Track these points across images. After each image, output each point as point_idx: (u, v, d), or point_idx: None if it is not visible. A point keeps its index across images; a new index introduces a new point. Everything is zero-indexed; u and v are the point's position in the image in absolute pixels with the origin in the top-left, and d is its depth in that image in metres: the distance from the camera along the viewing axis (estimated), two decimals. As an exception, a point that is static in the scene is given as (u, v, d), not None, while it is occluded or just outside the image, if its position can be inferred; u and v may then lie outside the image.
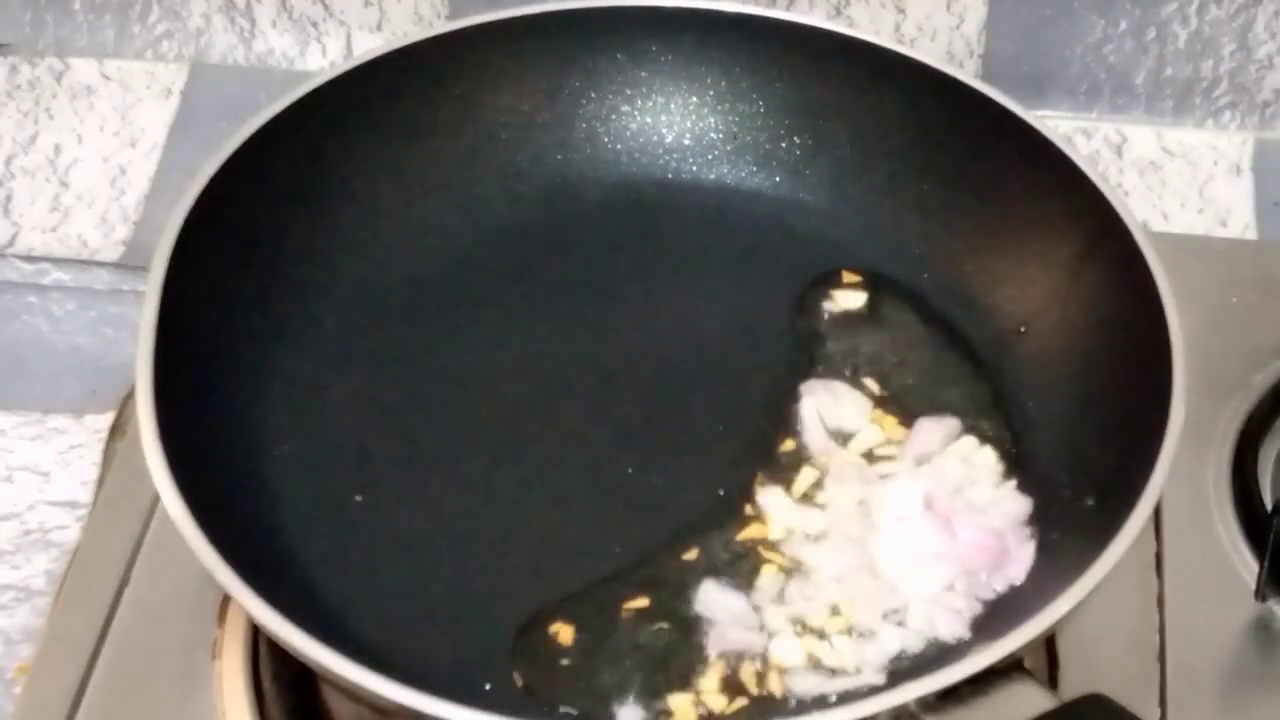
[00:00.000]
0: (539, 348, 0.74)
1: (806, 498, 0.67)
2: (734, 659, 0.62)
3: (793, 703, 0.61)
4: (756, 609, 0.63)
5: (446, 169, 0.78)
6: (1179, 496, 0.73)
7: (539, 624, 0.63)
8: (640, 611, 0.64)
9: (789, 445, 0.69)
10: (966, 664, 0.55)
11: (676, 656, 0.62)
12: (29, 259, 0.90)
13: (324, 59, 1.00)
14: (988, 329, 0.73)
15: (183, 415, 0.62)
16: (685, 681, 0.62)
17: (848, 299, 0.75)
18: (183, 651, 0.69)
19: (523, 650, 0.62)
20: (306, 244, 0.74)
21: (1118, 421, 0.65)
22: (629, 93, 0.80)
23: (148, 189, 0.95)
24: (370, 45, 0.95)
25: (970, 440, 0.69)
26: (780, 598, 0.64)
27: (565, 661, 0.62)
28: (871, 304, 0.75)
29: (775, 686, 0.61)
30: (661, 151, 0.81)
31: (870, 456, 0.69)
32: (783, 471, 0.68)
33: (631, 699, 0.61)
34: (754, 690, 0.61)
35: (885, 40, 0.78)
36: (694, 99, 0.80)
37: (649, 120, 0.81)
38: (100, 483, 0.79)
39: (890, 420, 0.70)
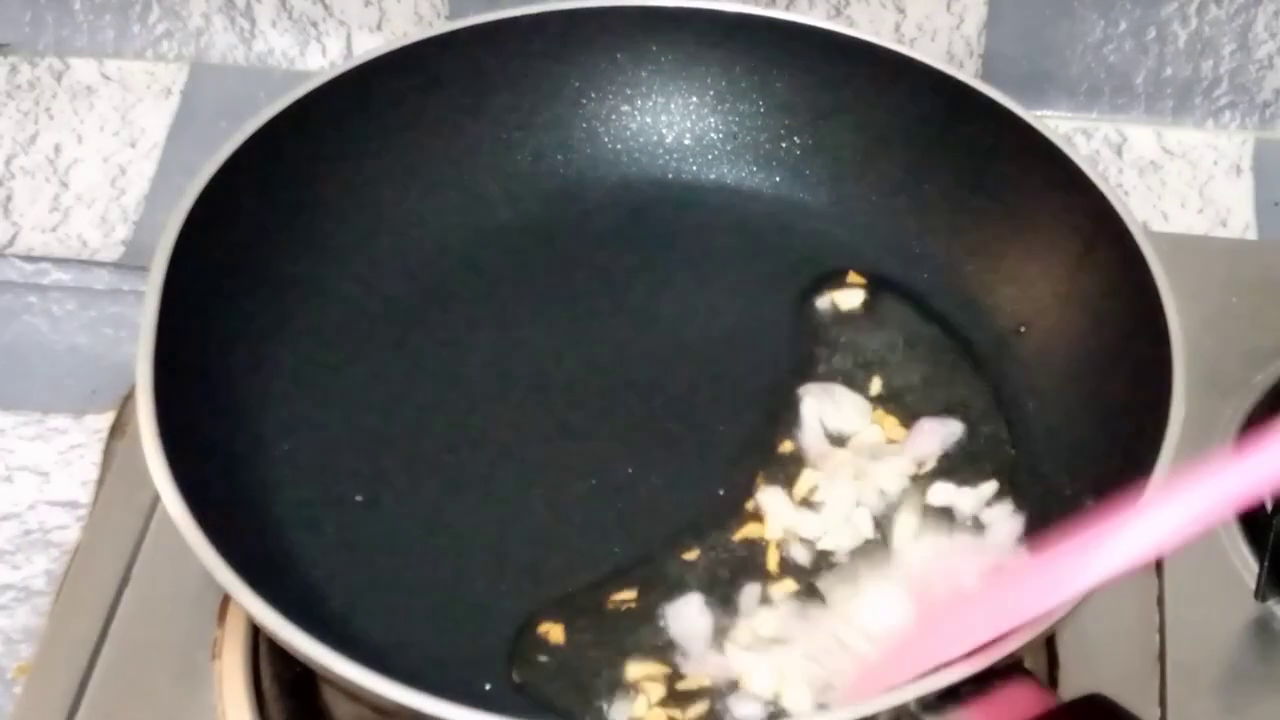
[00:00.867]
0: (538, 347, 0.74)
1: (806, 501, 0.67)
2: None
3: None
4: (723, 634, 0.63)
5: (446, 169, 0.78)
6: (1179, 496, 0.73)
7: (538, 624, 0.63)
8: (636, 610, 0.64)
9: (788, 446, 0.69)
10: (966, 664, 0.55)
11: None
12: (29, 259, 0.90)
13: (324, 59, 1.00)
14: (988, 329, 0.74)
15: (183, 415, 0.62)
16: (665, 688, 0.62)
17: (847, 299, 0.75)
18: (183, 651, 0.69)
19: (520, 650, 0.62)
20: (306, 244, 0.74)
21: (1118, 421, 0.65)
22: (629, 93, 0.80)
23: (148, 189, 0.95)
24: (370, 45, 0.95)
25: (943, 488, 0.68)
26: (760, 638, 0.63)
27: (563, 661, 0.62)
28: (871, 304, 0.75)
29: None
30: (661, 151, 0.81)
31: (870, 454, 0.68)
32: (783, 471, 0.68)
33: (626, 699, 0.61)
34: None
35: (885, 40, 0.78)
36: (694, 99, 0.80)
37: (649, 120, 0.81)
38: (100, 483, 0.79)
39: (891, 420, 0.70)
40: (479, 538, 0.66)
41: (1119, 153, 0.95)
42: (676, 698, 0.61)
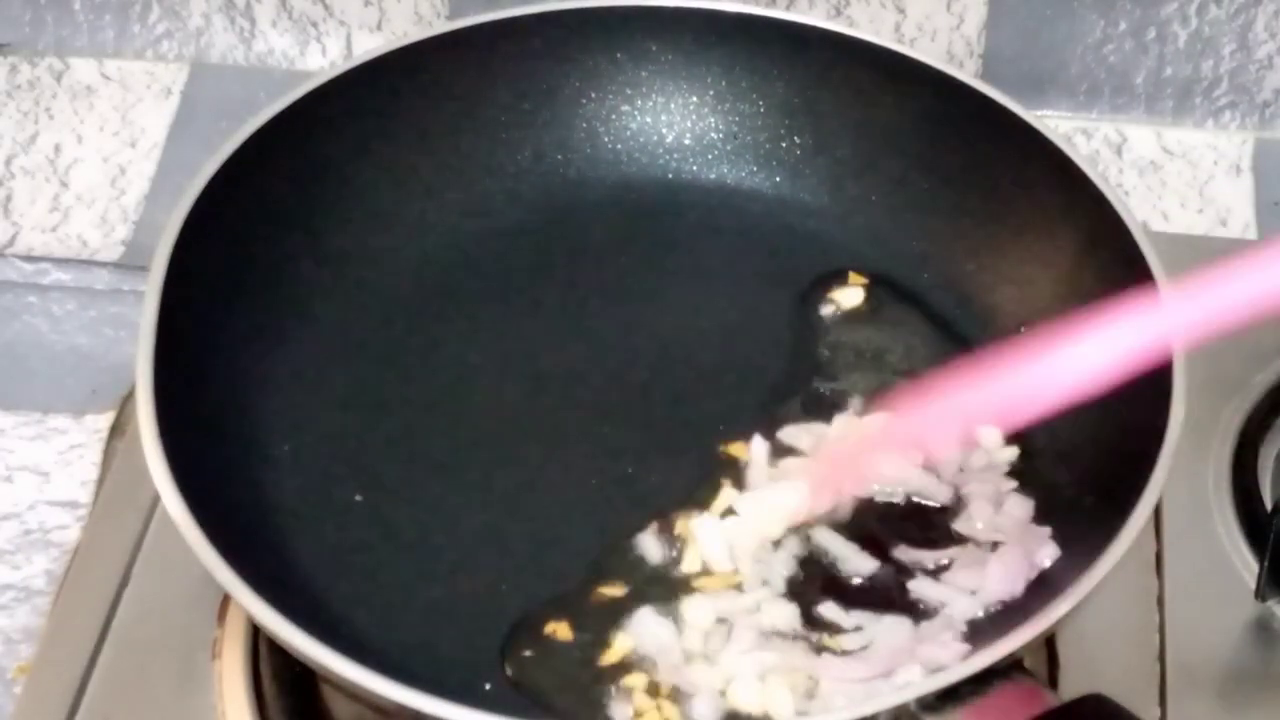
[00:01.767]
0: (539, 347, 0.74)
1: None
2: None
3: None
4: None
5: (446, 169, 0.78)
6: (1179, 496, 0.73)
7: (536, 623, 0.63)
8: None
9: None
10: (966, 664, 0.55)
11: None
12: (29, 259, 0.90)
13: (324, 59, 1.00)
14: (988, 329, 0.74)
15: (183, 415, 0.62)
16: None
17: (847, 298, 0.75)
18: (183, 651, 0.69)
19: (517, 648, 0.62)
20: (306, 244, 0.74)
21: (1118, 421, 0.65)
22: (629, 92, 0.80)
23: (148, 189, 0.95)
24: (370, 45, 0.95)
25: None
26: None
27: (562, 660, 0.62)
28: (871, 303, 0.75)
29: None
30: (662, 151, 0.81)
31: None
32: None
33: (624, 697, 0.61)
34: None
35: (885, 40, 0.78)
36: (694, 99, 0.80)
37: (649, 120, 0.81)
38: (100, 483, 0.79)
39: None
40: (479, 537, 0.66)
41: (1119, 153, 0.95)
42: (670, 695, 0.61)
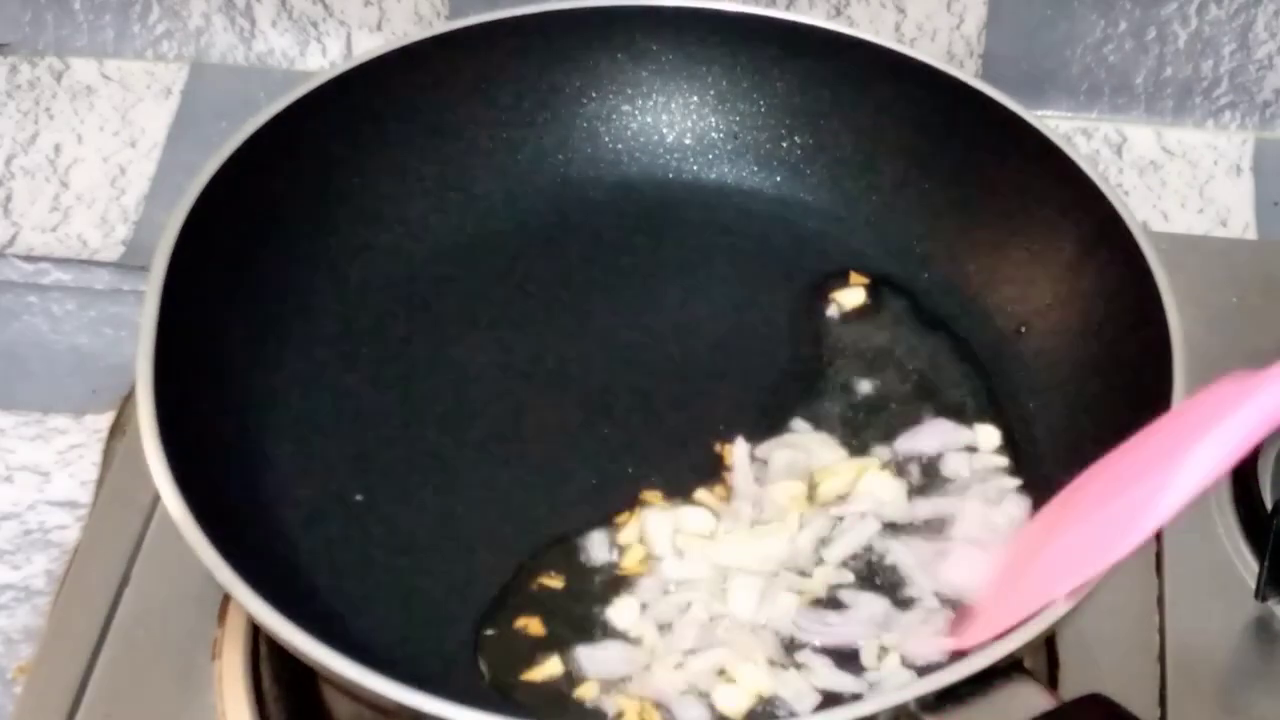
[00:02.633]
0: (538, 347, 0.74)
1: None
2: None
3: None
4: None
5: (446, 169, 0.78)
6: (1179, 496, 0.73)
7: (515, 618, 0.63)
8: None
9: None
10: (966, 664, 0.55)
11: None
12: (29, 259, 0.90)
13: (324, 59, 1.00)
14: (988, 329, 0.74)
15: (183, 415, 0.62)
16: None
17: (848, 298, 0.75)
18: (183, 651, 0.69)
19: (497, 644, 0.63)
20: (306, 244, 0.74)
21: (1118, 421, 0.65)
22: (630, 92, 0.80)
23: (148, 189, 0.95)
24: (370, 45, 0.95)
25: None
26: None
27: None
28: (872, 303, 0.75)
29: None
30: (662, 151, 0.81)
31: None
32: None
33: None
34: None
35: (885, 40, 0.78)
36: (695, 99, 0.80)
37: (650, 120, 0.81)
38: (100, 483, 0.79)
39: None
40: (480, 537, 0.66)
41: (1119, 153, 0.95)
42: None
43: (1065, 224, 0.72)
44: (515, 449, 0.70)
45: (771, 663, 0.61)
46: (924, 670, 0.60)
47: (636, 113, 0.81)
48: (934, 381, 0.72)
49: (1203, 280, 0.81)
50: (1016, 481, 0.67)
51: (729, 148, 0.81)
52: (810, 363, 0.73)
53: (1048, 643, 0.68)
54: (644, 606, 0.63)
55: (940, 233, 0.76)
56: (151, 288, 0.65)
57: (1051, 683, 0.67)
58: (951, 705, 0.55)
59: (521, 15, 0.78)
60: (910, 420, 0.70)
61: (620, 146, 0.81)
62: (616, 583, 0.64)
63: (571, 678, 0.61)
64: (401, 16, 0.99)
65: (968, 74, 0.77)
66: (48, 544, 0.77)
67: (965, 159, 0.76)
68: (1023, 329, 0.73)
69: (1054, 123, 0.92)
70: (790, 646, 0.62)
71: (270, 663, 0.68)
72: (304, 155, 0.74)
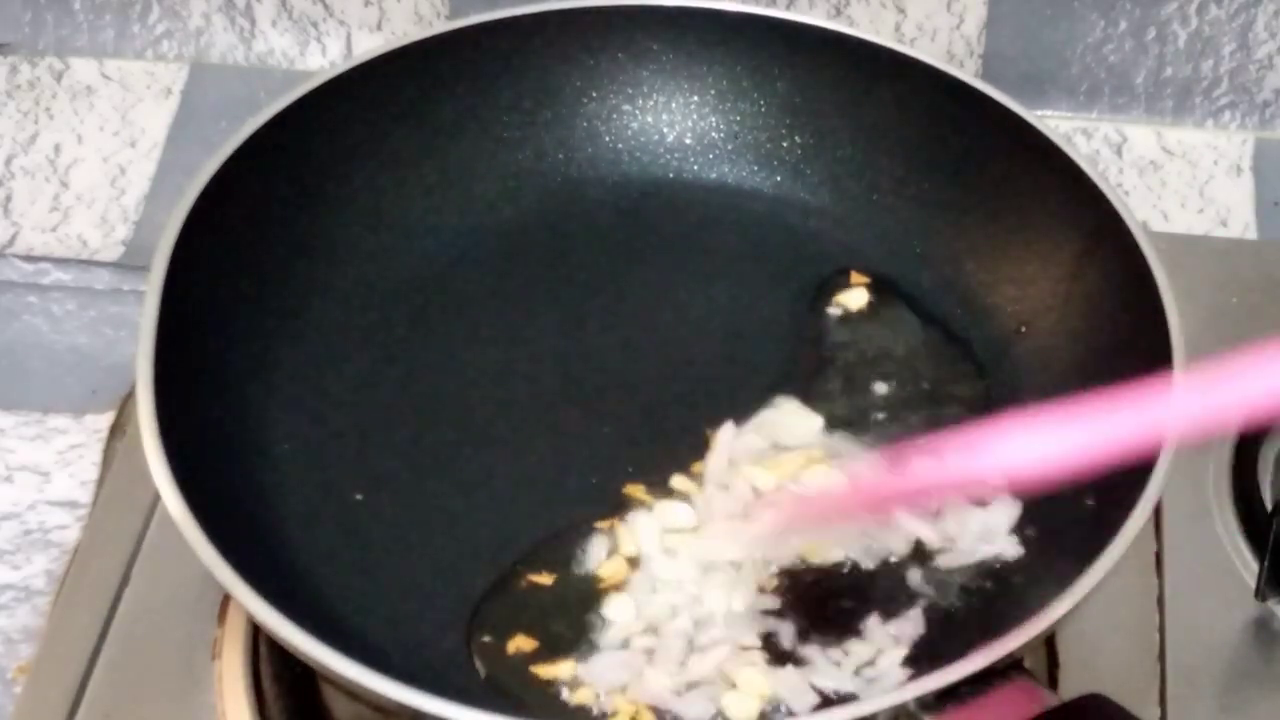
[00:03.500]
0: (539, 347, 0.74)
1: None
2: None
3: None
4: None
5: (447, 169, 0.78)
6: (1179, 496, 0.73)
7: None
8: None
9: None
10: (966, 664, 0.55)
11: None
12: (29, 259, 0.90)
13: (324, 59, 1.00)
14: (988, 329, 0.74)
15: (183, 415, 0.62)
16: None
17: (848, 298, 0.75)
18: (183, 651, 0.69)
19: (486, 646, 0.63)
20: (306, 244, 0.74)
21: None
22: (630, 92, 0.80)
23: (148, 189, 0.95)
24: (370, 45, 0.95)
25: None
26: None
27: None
28: (871, 303, 0.75)
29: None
30: (662, 151, 0.81)
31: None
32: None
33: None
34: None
35: (885, 40, 0.78)
36: (695, 98, 0.80)
37: (650, 119, 0.81)
38: (100, 483, 0.79)
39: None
40: (479, 537, 0.66)
41: (1119, 153, 0.95)
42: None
43: (1065, 224, 0.72)
44: (516, 449, 0.70)
45: (768, 661, 0.61)
46: (924, 670, 0.60)
47: (636, 112, 0.81)
48: (933, 381, 0.72)
49: (1203, 280, 0.81)
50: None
51: (729, 148, 0.81)
52: (810, 363, 0.73)
53: (1048, 643, 0.68)
54: (638, 607, 0.63)
55: (940, 233, 0.76)
56: (151, 288, 0.65)
57: (1051, 683, 0.67)
58: (951, 705, 0.55)
59: (521, 15, 0.78)
60: (911, 420, 0.70)
61: (620, 146, 0.81)
62: (610, 584, 0.64)
63: (569, 678, 0.61)
64: (401, 16, 0.99)
65: (968, 74, 0.77)
66: (48, 544, 0.77)
67: (965, 159, 0.76)
68: (1023, 329, 0.73)
69: (1054, 123, 0.92)
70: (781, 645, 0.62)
71: (270, 663, 0.68)
72: (304, 155, 0.74)
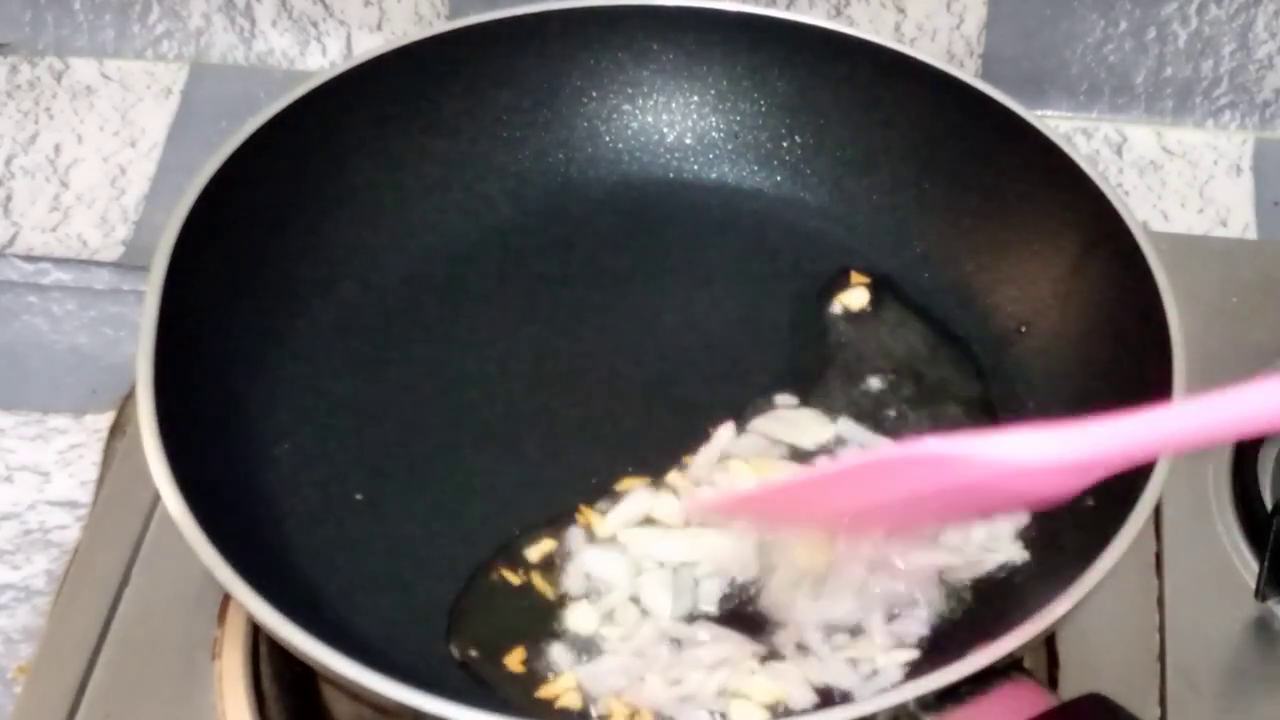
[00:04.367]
0: (539, 347, 0.74)
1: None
2: None
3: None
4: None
5: (447, 169, 0.78)
6: (1179, 496, 0.73)
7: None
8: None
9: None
10: (966, 664, 0.55)
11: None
12: (29, 259, 0.90)
13: (324, 59, 1.00)
14: (988, 329, 0.74)
15: (183, 415, 0.62)
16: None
17: (848, 298, 0.75)
18: (183, 651, 0.69)
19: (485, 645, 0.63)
20: (306, 244, 0.74)
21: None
22: (630, 92, 0.80)
23: (148, 189, 0.95)
24: (370, 45, 0.95)
25: None
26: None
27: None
28: (871, 303, 0.75)
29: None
30: (663, 150, 0.81)
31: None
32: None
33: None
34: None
35: (885, 40, 0.78)
36: (695, 98, 0.80)
37: (650, 119, 0.81)
38: (100, 483, 0.79)
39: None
40: (479, 537, 0.66)
41: (1119, 153, 0.95)
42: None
43: (1065, 224, 0.72)
44: (517, 449, 0.70)
45: (762, 660, 0.61)
46: (924, 670, 0.60)
47: (637, 112, 0.81)
48: (934, 381, 0.72)
49: (1203, 280, 0.82)
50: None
51: (729, 148, 0.81)
52: (810, 362, 0.73)
53: (1048, 643, 0.68)
54: (635, 606, 0.63)
55: (940, 233, 0.76)
56: (151, 288, 0.65)
57: (1051, 683, 0.67)
58: (951, 705, 0.55)
59: (521, 15, 0.78)
60: (910, 419, 0.70)
61: (621, 146, 0.81)
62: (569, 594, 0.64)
63: (570, 679, 0.61)
64: (401, 16, 0.99)
65: (968, 74, 0.77)
66: (48, 544, 0.77)
67: (965, 159, 0.76)
68: (1023, 329, 0.73)
69: (1054, 123, 0.92)
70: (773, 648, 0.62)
71: (270, 663, 0.68)
72: (304, 155, 0.74)
